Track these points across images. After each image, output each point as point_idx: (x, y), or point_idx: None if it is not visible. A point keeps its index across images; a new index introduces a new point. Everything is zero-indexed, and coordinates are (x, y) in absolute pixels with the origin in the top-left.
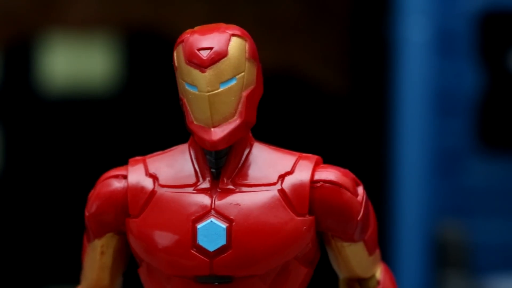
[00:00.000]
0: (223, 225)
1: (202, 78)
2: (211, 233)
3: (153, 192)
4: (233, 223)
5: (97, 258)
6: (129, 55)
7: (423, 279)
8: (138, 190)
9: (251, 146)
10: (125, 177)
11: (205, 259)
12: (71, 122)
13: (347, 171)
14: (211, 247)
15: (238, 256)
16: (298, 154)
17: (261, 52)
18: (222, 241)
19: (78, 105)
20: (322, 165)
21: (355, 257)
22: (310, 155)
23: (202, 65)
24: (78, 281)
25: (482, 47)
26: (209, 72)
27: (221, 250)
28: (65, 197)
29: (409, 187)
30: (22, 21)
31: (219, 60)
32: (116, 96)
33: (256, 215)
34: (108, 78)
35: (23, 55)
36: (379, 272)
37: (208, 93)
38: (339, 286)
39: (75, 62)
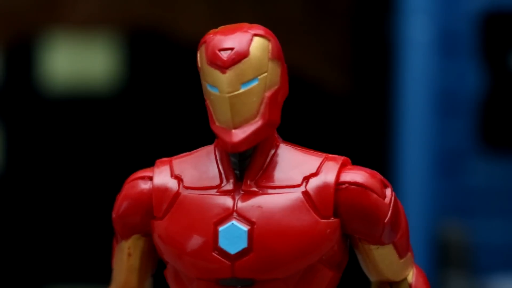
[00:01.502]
0: (245, 227)
1: (223, 79)
2: (233, 236)
3: (177, 193)
4: (255, 226)
5: (124, 260)
6: (130, 54)
7: None
8: (162, 191)
9: (276, 147)
10: (151, 178)
11: (227, 262)
12: (73, 121)
13: (374, 172)
14: (233, 250)
15: (259, 259)
16: (324, 155)
17: None
18: (243, 244)
19: (79, 103)
20: (349, 166)
21: (384, 260)
22: (337, 156)
23: (223, 66)
24: (78, 280)
25: (484, 47)
26: (229, 73)
27: (242, 253)
28: (66, 196)
29: (411, 187)
30: (24, 20)
31: (240, 60)
32: (118, 95)
33: (279, 217)
34: (110, 77)
35: (25, 54)
36: (411, 275)
37: (228, 94)
38: None
39: (77, 61)
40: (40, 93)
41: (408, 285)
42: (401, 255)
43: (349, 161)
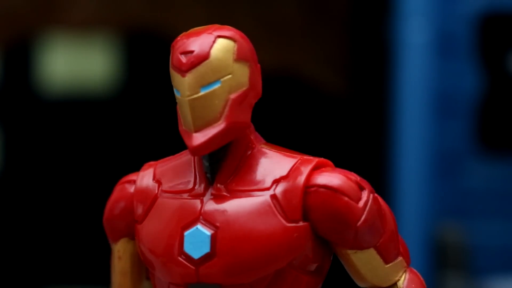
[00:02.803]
0: (208, 232)
1: (183, 83)
2: (197, 240)
3: (155, 197)
4: (218, 230)
5: (115, 263)
6: (128, 56)
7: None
8: (143, 195)
9: (252, 149)
10: (135, 182)
11: (191, 266)
12: (71, 122)
13: (351, 174)
14: (196, 254)
15: (223, 264)
16: (300, 157)
17: (261, 53)
18: (206, 249)
19: (77, 105)
20: (322, 169)
21: (365, 265)
22: (312, 157)
23: (182, 69)
24: (77, 281)
25: (482, 49)
26: (188, 76)
27: (205, 257)
28: (65, 197)
29: (409, 188)
30: (22, 21)
31: (199, 63)
32: (115, 96)
33: (243, 221)
34: (108, 79)
35: (22, 56)
36: (403, 280)
37: (188, 98)
38: None
39: (75, 63)
40: (38, 94)
41: None
42: (386, 260)
43: (328, 162)
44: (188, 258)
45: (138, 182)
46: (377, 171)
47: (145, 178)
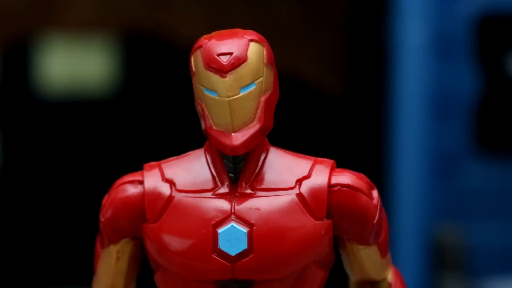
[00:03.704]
0: (244, 229)
1: (223, 83)
2: (232, 238)
3: (170, 197)
4: (254, 228)
5: (112, 264)
6: (126, 57)
7: (421, 282)
8: (155, 195)
9: (267, 151)
10: (140, 182)
11: (227, 263)
12: (69, 124)
13: (362, 175)
14: (233, 251)
15: (259, 260)
16: (313, 158)
17: None
18: (243, 246)
19: (75, 106)
20: (337, 169)
21: (369, 260)
22: (325, 159)
23: (223, 70)
24: (75, 282)
25: (480, 50)
26: (229, 77)
27: (242, 254)
28: (64, 198)
29: (407, 189)
30: (20, 23)
31: (239, 65)
32: (114, 98)
33: (276, 219)
34: (106, 80)
35: (21, 57)
36: (391, 275)
37: (228, 98)
38: None
39: (73, 64)
40: (36, 96)
41: (388, 284)
42: (383, 255)
43: (335, 164)
44: (224, 255)
45: (147, 182)
46: (375, 172)
47: (152, 178)
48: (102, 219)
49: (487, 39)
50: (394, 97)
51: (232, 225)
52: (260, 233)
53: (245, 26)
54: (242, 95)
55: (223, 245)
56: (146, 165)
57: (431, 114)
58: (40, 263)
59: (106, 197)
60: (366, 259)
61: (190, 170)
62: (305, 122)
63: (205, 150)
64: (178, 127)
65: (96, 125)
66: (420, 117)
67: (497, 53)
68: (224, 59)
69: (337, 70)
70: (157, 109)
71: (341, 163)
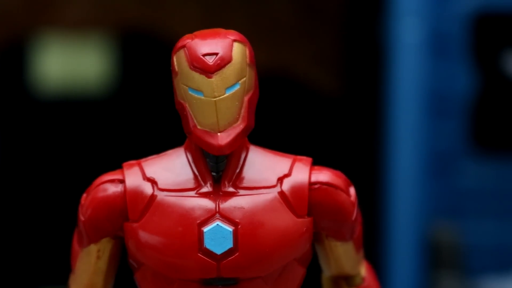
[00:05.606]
0: (230, 228)
1: (209, 84)
2: (218, 236)
3: (153, 196)
4: (239, 226)
5: (92, 263)
6: (122, 56)
7: (416, 280)
8: (137, 194)
9: (247, 150)
10: (121, 181)
11: (212, 262)
12: (65, 123)
13: (339, 172)
14: (219, 250)
15: (244, 258)
16: (292, 156)
17: (255, 54)
18: (229, 244)
19: (72, 106)
20: (316, 167)
21: (345, 255)
22: (304, 157)
23: (209, 71)
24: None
25: (476, 48)
26: (215, 78)
27: (228, 253)
28: (60, 197)
29: (403, 188)
30: (16, 22)
31: (225, 65)
32: (110, 97)
33: (260, 217)
34: (102, 79)
35: (17, 56)
36: (364, 270)
37: (215, 99)
38: (323, 284)
39: (69, 63)
40: (32, 95)
41: (361, 278)
42: (357, 250)
43: (312, 161)
44: (209, 253)
45: (128, 181)
46: (371, 171)
47: (133, 177)
48: (82, 218)
49: (482, 38)
50: (390, 95)
51: (217, 224)
52: (245, 232)
53: (241, 25)
54: (227, 95)
55: (208, 243)
56: (125, 164)
57: (427, 113)
58: (39, 261)
59: (84, 195)
60: (343, 254)
61: (171, 169)
62: (302, 121)
63: (185, 149)
64: (174, 125)
65: (92, 124)
66: (416, 116)
67: (493, 52)
68: (210, 60)
69: (333, 69)
70: (153, 107)
71: (337, 162)
